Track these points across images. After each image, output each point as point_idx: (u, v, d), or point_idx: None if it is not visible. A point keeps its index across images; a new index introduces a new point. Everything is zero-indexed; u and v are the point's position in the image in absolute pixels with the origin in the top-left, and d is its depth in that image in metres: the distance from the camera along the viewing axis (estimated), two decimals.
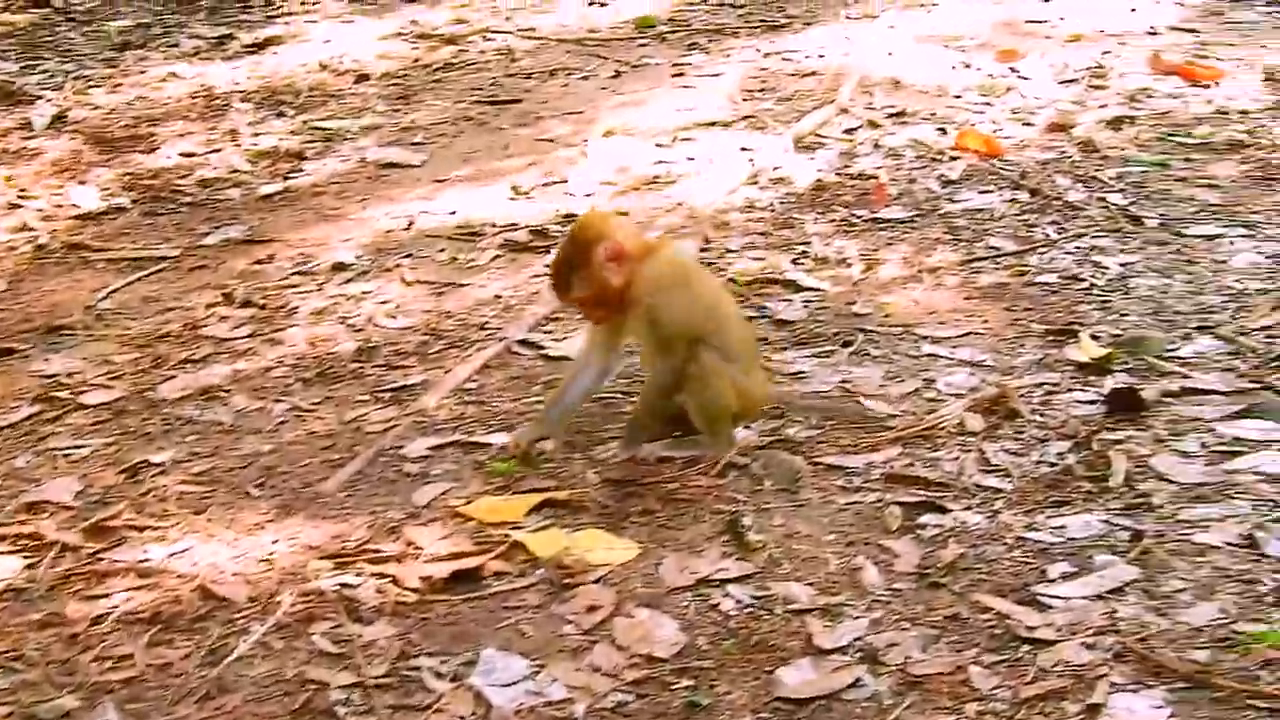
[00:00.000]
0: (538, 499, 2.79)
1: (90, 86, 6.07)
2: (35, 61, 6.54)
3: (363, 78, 5.96)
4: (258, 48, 6.52)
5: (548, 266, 2.95)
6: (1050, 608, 2.45)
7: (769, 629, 2.44)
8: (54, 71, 6.37)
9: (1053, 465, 2.85)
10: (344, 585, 2.57)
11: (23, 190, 4.82)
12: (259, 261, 4.12)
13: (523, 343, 3.51)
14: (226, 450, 3.11)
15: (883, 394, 3.19)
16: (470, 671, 2.35)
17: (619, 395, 3.22)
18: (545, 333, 3.58)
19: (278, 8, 7.24)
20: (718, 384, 2.84)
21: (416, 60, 6.18)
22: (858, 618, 2.45)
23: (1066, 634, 2.37)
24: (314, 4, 7.26)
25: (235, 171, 4.93)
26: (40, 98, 5.92)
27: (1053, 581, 2.51)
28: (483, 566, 2.61)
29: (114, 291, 4.05)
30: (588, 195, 4.49)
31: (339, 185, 4.74)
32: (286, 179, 4.83)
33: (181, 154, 5.14)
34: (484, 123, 5.27)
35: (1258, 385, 3.11)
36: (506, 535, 2.68)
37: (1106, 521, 2.66)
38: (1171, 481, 2.78)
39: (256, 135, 5.28)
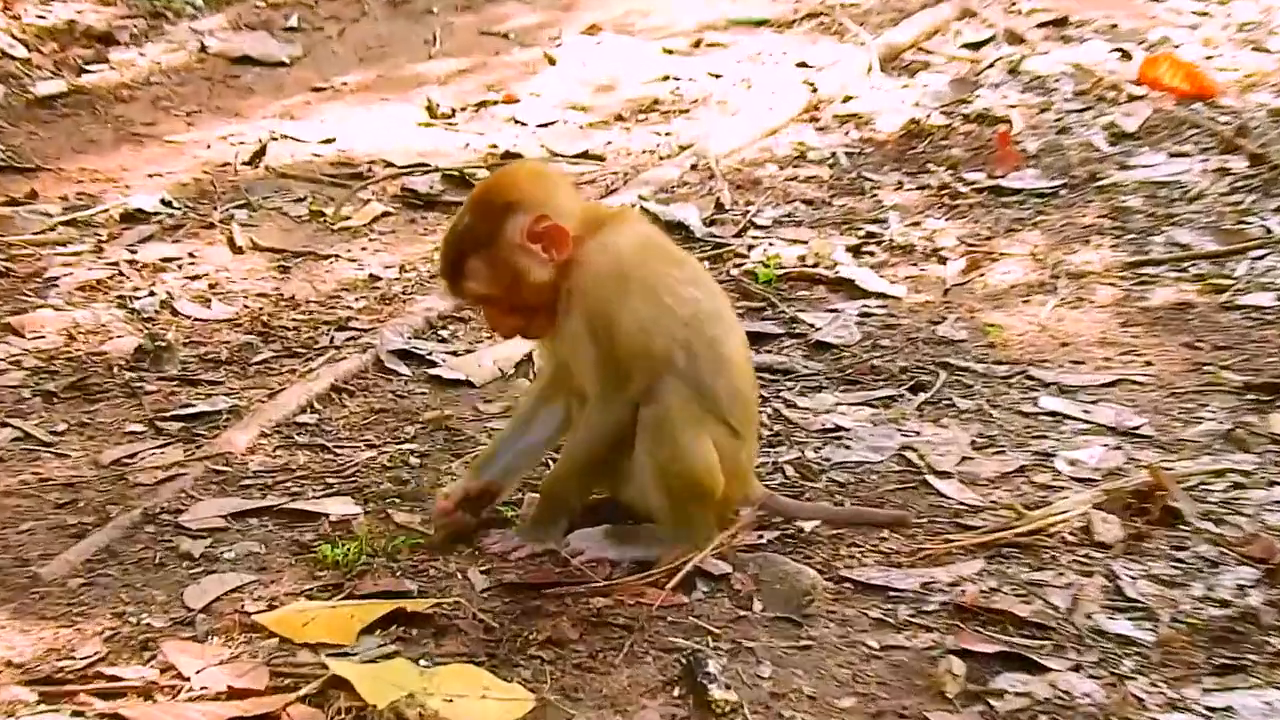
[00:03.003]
0: (383, 609, 2.72)
1: None
2: None
3: None
4: None
5: (439, 247, 2.92)
6: None
7: None
8: None
9: (1225, 605, 2.75)
10: None
11: None
12: (13, 202, 4.15)
13: (401, 355, 3.46)
14: None
15: (967, 472, 3.11)
16: None
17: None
18: (439, 340, 3.54)
19: None
20: (694, 440, 2.77)
21: None
22: None
23: None
24: None
25: (3, 57, 4.96)
26: None
27: None
28: (278, 716, 2.54)
29: None
30: (544, 125, 4.47)
31: (159, 88, 4.78)
32: (81, 73, 4.88)
33: None
34: (403, 0, 5.28)
35: None
36: (324, 666, 2.61)
37: None
38: None
39: (47, 1, 5.33)
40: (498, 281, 2.77)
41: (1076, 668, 2.65)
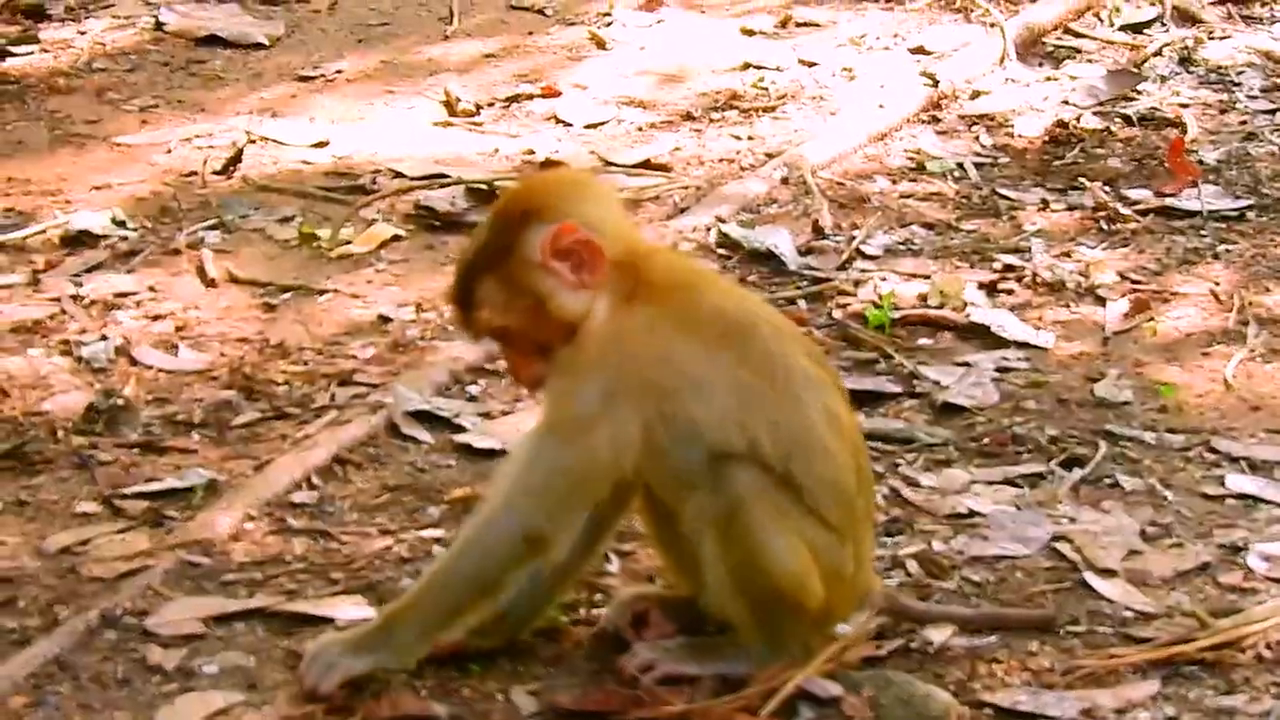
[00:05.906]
0: None
1: None
2: None
3: None
4: None
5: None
6: None
7: None
8: None
9: None
10: None
11: None
12: None
13: (421, 417, 3.50)
14: None
15: (1136, 570, 3.13)
16: None
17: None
18: (467, 398, 3.58)
19: None
20: (775, 539, 2.78)
21: None
22: None
23: None
24: None
25: None
26: None
27: None
28: None
29: None
30: (593, 126, 4.53)
31: (104, 75, 4.83)
32: (3, 55, 4.92)
33: None
34: None
35: None
36: None
37: None
38: None
39: None
40: (514, 309, 2.80)
41: None
